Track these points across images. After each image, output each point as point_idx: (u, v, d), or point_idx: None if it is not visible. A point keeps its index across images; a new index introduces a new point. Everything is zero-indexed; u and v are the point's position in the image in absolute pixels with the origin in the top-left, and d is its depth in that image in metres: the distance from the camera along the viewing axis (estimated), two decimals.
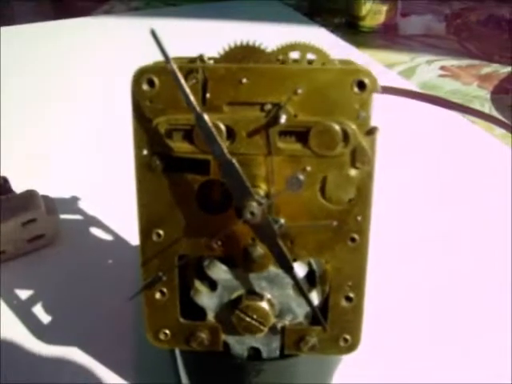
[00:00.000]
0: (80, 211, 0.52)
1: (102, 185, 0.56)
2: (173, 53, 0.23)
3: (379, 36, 1.02)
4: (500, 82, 0.88)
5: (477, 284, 0.45)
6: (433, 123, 0.66)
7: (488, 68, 0.93)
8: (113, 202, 0.51)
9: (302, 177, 0.24)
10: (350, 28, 1.02)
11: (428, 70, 0.91)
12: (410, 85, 0.80)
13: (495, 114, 0.79)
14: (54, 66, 0.82)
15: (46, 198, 0.49)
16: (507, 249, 0.48)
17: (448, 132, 0.67)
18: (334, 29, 1.00)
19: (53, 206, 0.49)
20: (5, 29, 0.91)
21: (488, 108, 0.80)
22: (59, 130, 0.67)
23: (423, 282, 0.45)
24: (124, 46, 0.85)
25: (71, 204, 0.53)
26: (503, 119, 0.73)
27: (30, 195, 0.48)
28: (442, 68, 0.92)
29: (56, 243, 0.49)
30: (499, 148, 0.64)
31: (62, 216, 0.51)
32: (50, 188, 0.51)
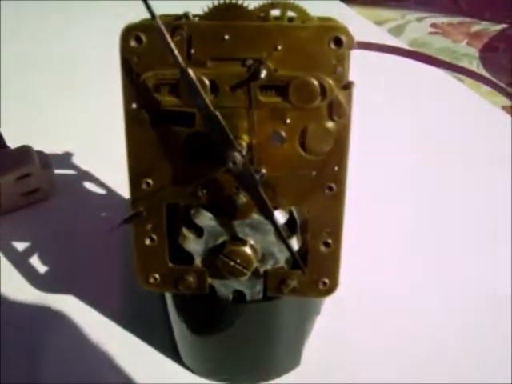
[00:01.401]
0: (74, 166, 0.54)
1: (94, 140, 0.57)
2: (159, 11, 0.24)
3: None
4: (489, 39, 0.88)
5: (455, 239, 0.47)
6: (418, 80, 0.67)
7: (478, 26, 0.93)
8: (106, 157, 0.52)
9: (283, 133, 0.26)
10: None
11: (418, 27, 0.92)
12: (399, 42, 0.80)
13: (483, 71, 0.80)
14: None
15: (40, 153, 0.50)
16: (492, 208, 0.50)
17: (432, 89, 0.68)
18: None
19: (47, 160, 0.51)
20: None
21: (476, 65, 0.81)
22: (53, 86, 0.68)
23: (399, 228, 0.47)
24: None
25: (65, 159, 0.54)
26: (489, 77, 0.74)
27: (25, 150, 0.49)
28: (433, 25, 0.93)
29: (51, 197, 0.50)
30: (485, 106, 0.66)
31: (56, 170, 0.52)
32: (44, 143, 0.53)
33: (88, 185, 0.52)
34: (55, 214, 0.49)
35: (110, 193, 0.51)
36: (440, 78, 0.68)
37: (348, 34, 0.25)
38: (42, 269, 0.44)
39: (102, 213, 0.49)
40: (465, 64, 0.81)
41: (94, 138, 0.58)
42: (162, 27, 0.24)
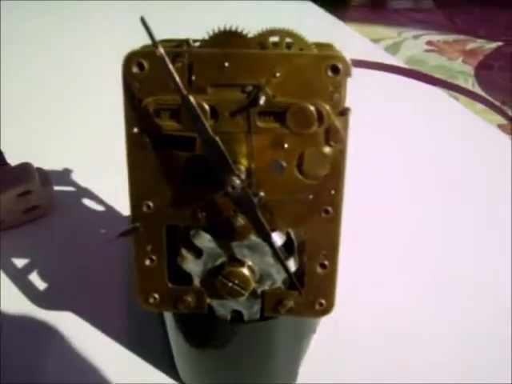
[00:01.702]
0: (73, 183, 0.54)
1: (94, 159, 0.57)
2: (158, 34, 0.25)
3: (367, 10, 1.03)
4: (484, 57, 0.89)
5: (451, 248, 0.48)
6: (413, 98, 0.67)
7: (473, 43, 0.94)
8: (104, 175, 0.53)
9: (283, 162, 0.27)
10: (339, 1, 1.03)
11: (414, 44, 0.93)
12: (395, 60, 0.81)
13: (478, 89, 0.81)
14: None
15: (39, 170, 0.51)
16: (486, 220, 0.51)
17: (426, 106, 0.68)
18: (322, 2, 1.01)
19: (47, 177, 0.51)
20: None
21: (471, 83, 0.82)
22: (53, 100, 0.69)
23: (396, 250, 0.48)
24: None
25: (64, 176, 0.54)
26: (484, 95, 0.75)
27: (25, 167, 0.50)
28: (429, 43, 0.94)
29: (50, 213, 0.51)
30: (479, 124, 0.66)
31: (56, 188, 0.52)
32: (44, 161, 0.53)
33: (87, 201, 0.53)
34: (54, 230, 0.50)
35: (109, 210, 0.51)
36: (435, 96, 0.69)
37: (345, 62, 0.26)
38: (41, 285, 0.44)
39: (101, 229, 0.49)
40: (460, 81, 0.82)
41: (93, 154, 0.58)
42: (164, 55, 0.24)
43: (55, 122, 0.65)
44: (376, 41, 0.90)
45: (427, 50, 0.91)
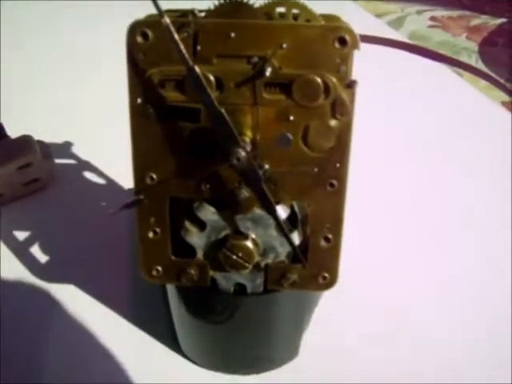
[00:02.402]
0: (74, 156, 0.54)
1: (95, 131, 0.57)
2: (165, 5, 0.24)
3: None
4: (488, 34, 0.89)
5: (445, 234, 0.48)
6: (417, 73, 0.67)
7: (478, 19, 0.93)
8: (105, 148, 0.53)
9: (290, 135, 0.27)
10: None
11: (418, 20, 0.92)
12: (398, 35, 0.81)
13: (482, 66, 0.80)
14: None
15: (41, 142, 0.51)
16: (491, 205, 0.50)
17: (430, 82, 0.68)
18: None
19: (48, 150, 0.51)
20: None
21: (475, 60, 0.81)
22: (54, 74, 0.68)
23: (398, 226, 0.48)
24: None
25: (66, 149, 0.54)
26: (488, 71, 0.74)
27: (26, 140, 0.50)
28: (432, 18, 0.93)
29: (51, 186, 0.51)
30: (482, 100, 0.66)
31: (57, 160, 0.52)
32: (45, 134, 0.53)
33: (88, 174, 0.52)
34: (55, 203, 0.49)
35: (110, 183, 0.51)
36: (439, 71, 0.69)
37: (352, 34, 0.26)
38: (42, 258, 0.44)
39: (102, 202, 0.49)
40: (464, 58, 0.81)
41: (94, 127, 0.58)
42: (170, 25, 0.24)
43: (57, 94, 0.64)
44: (379, 16, 0.89)
45: (431, 26, 0.90)
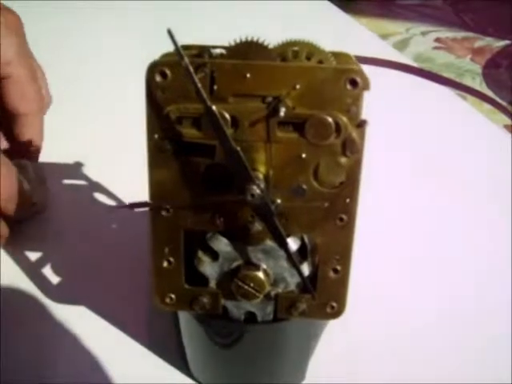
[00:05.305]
0: (70, 180, 0.54)
1: (91, 156, 0.56)
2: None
3: (376, 5, 1.02)
4: (492, 56, 0.90)
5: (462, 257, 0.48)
6: (420, 95, 0.67)
7: (482, 41, 0.94)
8: (101, 173, 0.53)
9: (304, 186, 0.28)
10: None
11: (423, 41, 0.93)
12: (403, 57, 0.82)
13: (485, 88, 0.81)
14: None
15: (35, 167, 0.50)
16: (492, 227, 0.51)
17: (433, 104, 0.68)
18: None
19: (42, 175, 0.50)
20: None
21: (479, 82, 0.82)
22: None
23: (406, 251, 0.49)
24: None
25: (60, 174, 0.54)
26: (492, 95, 0.75)
27: (21, 166, 0.50)
28: (437, 40, 0.94)
29: (46, 210, 0.50)
30: (485, 124, 0.67)
31: (52, 183, 0.52)
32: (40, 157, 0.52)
33: (83, 199, 0.52)
34: (51, 226, 0.50)
35: (105, 208, 0.51)
36: (442, 94, 0.70)
37: (363, 76, 0.27)
38: (49, 281, 0.44)
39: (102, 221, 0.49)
40: (468, 80, 0.82)
41: (92, 149, 0.57)
42: (190, 66, 0.25)
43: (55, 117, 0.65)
44: (384, 36, 0.90)
45: (436, 47, 0.91)
